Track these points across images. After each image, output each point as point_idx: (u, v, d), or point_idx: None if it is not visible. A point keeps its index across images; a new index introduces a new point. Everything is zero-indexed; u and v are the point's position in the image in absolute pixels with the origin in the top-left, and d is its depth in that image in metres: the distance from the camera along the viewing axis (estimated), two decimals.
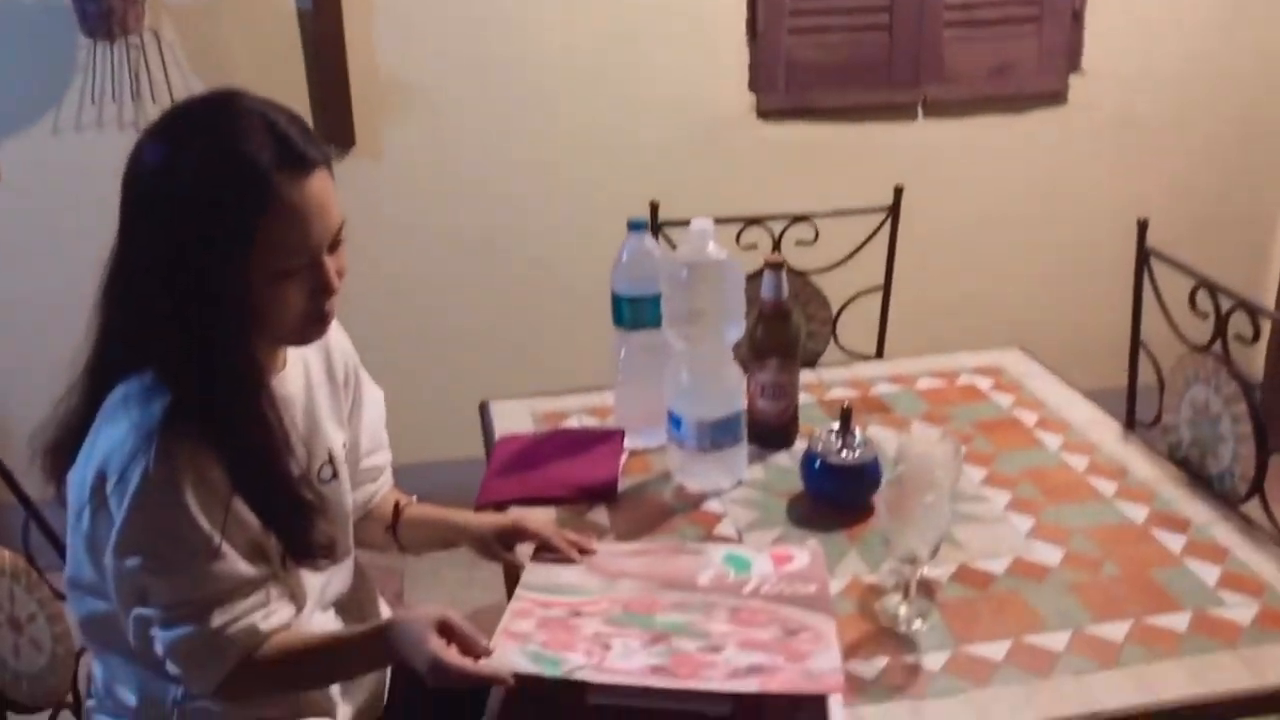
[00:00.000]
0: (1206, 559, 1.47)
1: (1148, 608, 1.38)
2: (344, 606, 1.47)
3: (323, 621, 1.42)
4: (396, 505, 1.57)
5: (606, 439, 1.77)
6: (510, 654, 1.20)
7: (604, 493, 1.65)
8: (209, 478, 1.21)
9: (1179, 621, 1.36)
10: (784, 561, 1.41)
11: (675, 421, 1.63)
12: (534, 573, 1.40)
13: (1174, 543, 1.51)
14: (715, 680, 1.15)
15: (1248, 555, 1.48)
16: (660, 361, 1.73)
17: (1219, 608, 1.38)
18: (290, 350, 1.36)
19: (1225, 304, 1.67)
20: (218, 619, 1.23)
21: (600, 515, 1.61)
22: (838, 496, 1.60)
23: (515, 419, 1.89)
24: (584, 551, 1.44)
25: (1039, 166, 3.10)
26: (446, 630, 1.20)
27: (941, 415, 1.87)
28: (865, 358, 2.16)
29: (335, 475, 1.42)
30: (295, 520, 1.28)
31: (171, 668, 1.26)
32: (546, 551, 1.44)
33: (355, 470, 1.50)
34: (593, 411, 1.92)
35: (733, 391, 1.62)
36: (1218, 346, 1.67)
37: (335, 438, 1.44)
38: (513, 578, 1.46)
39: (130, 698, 1.34)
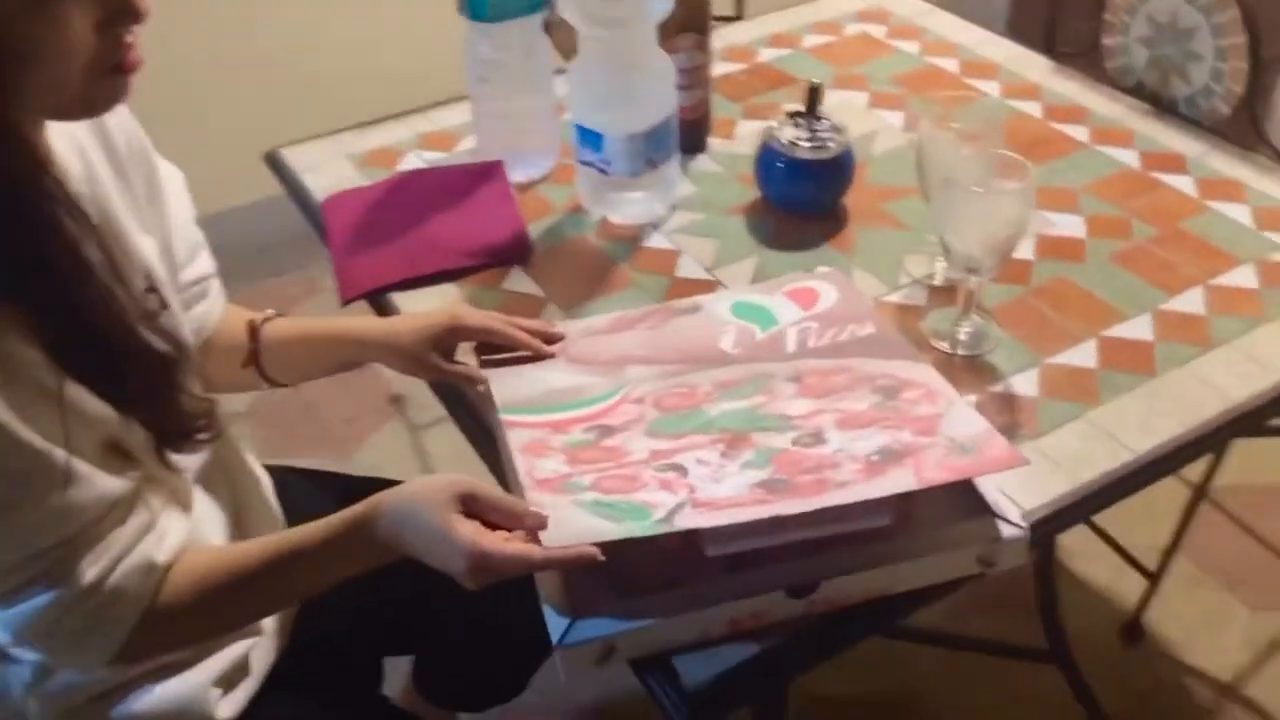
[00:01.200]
0: (1226, 198, 1.29)
1: (1205, 268, 1.19)
2: (207, 478, 1.05)
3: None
4: (251, 326, 1.11)
5: (484, 176, 1.33)
6: (572, 516, 0.83)
7: (514, 251, 1.24)
8: (20, 365, 0.75)
9: (1246, 277, 1.17)
10: (810, 301, 1.09)
11: (592, 140, 1.22)
12: (505, 386, 1.00)
13: (1184, 184, 1.31)
14: (855, 486, 0.84)
15: (1265, 185, 1.30)
16: (537, 62, 1.30)
17: (1276, 252, 1.21)
18: (54, 131, 0.86)
19: None
20: (89, 570, 0.80)
21: (521, 282, 1.21)
22: (812, 202, 1.27)
23: (330, 170, 1.41)
24: (550, 341, 1.06)
25: None
26: (471, 505, 0.82)
27: (853, 77, 1.55)
28: (725, 19, 1.78)
29: (165, 304, 0.95)
30: (158, 388, 0.85)
31: (29, 654, 0.83)
32: (492, 352, 1.05)
33: (175, 287, 1.03)
34: (430, 143, 1.46)
35: (664, 88, 1.22)
36: None
37: (145, 246, 0.96)
38: (455, 395, 1.07)
39: None
